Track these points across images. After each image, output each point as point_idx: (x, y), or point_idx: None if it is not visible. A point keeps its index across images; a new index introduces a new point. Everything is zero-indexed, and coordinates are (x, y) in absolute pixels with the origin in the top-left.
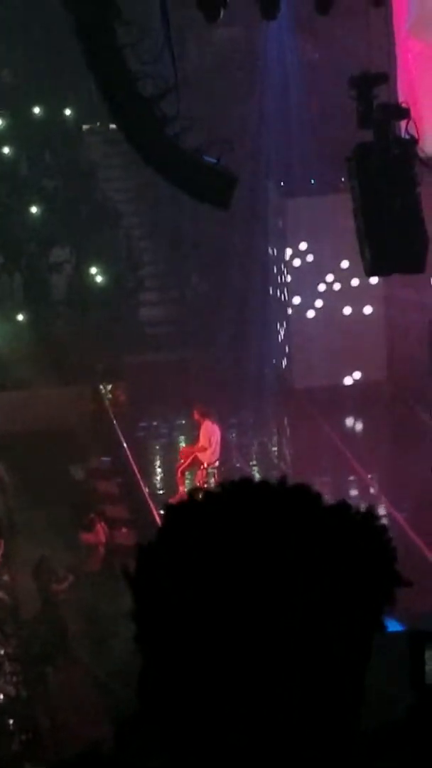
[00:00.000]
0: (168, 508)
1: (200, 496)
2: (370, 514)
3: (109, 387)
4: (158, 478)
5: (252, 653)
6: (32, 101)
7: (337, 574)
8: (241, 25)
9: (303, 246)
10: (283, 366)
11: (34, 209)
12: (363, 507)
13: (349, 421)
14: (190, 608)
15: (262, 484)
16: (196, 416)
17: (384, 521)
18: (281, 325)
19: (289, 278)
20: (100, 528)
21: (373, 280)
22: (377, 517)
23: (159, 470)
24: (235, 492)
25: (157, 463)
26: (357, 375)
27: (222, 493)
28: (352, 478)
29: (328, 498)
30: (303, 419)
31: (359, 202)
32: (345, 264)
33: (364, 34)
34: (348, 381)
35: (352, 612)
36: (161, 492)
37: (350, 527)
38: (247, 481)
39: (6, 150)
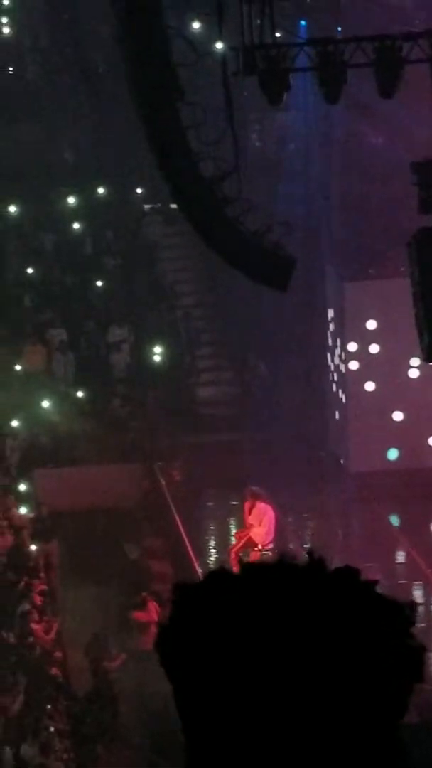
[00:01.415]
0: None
1: (219, 577)
2: (399, 604)
3: (165, 466)
4: (212, 558)
5: (284, 732)
6: (96, 181)
7: (356, 661)
8: (303, 108)
9: (361, 330)
10: (339, 450)
11: (93, 287)
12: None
13: (404, 507)
14: (220, 688)
15: (290, 565)
16: (250, 497)
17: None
18: (338, 409)
19: (347, 363)
20: (152, 606)
21: None
22: (407, 607)
23: (212, 550)
24: (259, 573)
25: (211, 543)
26: (413, 461)
27: (246, 574)
28: (402, 561)
29: (382, 583)
30: (358, 503)
31: (419, 287)
32: (404, 350)
33: (427, 119)
34: (403, 466)
35: (372, 703)
36: None
37: (379, 616)
38: (278, 563)
39: (69, 227)
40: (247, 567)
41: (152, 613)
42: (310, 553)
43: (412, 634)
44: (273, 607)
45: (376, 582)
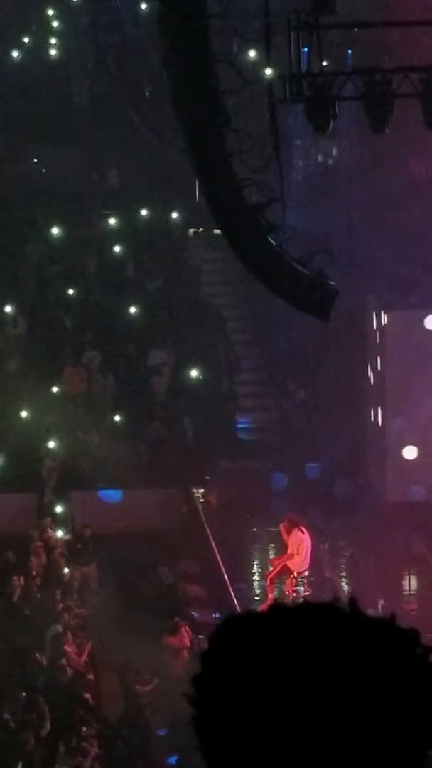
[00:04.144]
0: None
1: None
2: (416, 633)
3: (202, 491)
4: (247, 584)
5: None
6: (139, 203)
7: (381, 690)
8: (349, 136)
9: (401, 361)
10: (377, 478)
11: (134, 310)
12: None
13: None
14: (243, 725)
15: (318, 607)
16: (287, 524)
17: None
18: (377, 439)
19: (386, 393)
20: (185, 632)
21: None
22: (419, 635)
23: (248, 576)
24: (294, 614)
25: (247, 569)
26: None
27: (276, 613)
28: None
29: (415, 615)
30: (395, 533)
31: None
32: None
33: None
34: None
35: (399, 729)
36: (250, 598)
37: (395, 642)
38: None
39: (111, 250)
40: (287, 611)
41: (185, 638)
42: (352, 601)
43: None
44: (308, 660)
45: (418, 643)
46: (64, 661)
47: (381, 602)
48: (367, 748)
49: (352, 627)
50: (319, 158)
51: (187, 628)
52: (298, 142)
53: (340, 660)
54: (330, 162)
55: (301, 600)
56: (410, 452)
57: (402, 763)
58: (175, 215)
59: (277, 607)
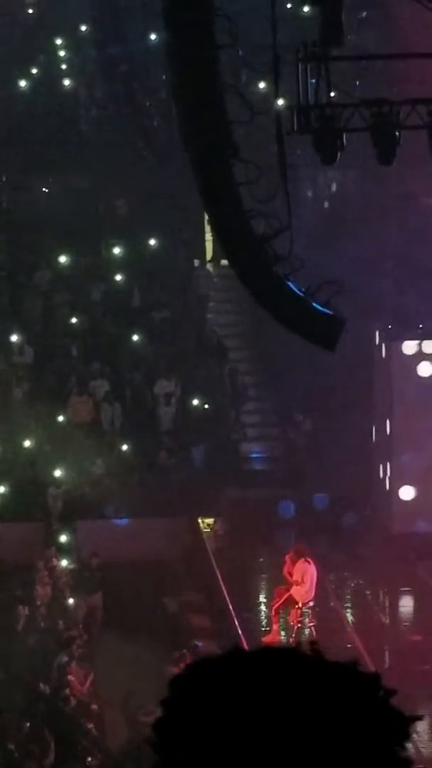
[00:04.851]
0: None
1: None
2: (378, 676)
3: (208, 520)
4: (252, 614)
5: None
6: (147, 233)
7: (342, 733)
8: (357, 167)
9: (408, 392)
10: (383, 509)
11: (141, 340)
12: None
13: None
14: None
15: (270, 652)
16: (293, 554)
17: None
18: (384, 470)
19: (394, 421)
20: None
21: None
22: (385, 691)
23: (253, 606)
24: (245, 660)
25: (252, 599)
26: None
27: (232, 660)
28: None
29: (422, 646)
30: (400, 564)
31: None
32: None
33: None
34: None
35: None
36: (255, 629)
37: (356, 687)
38: (264, 649)
39: (119, 279)
40: (248, 656)
41: None
42: (314, 647)
43: (402, 747)
44: (270, 704)
45: (379, 687)
46: (68, 691)
47: (386, 635)
48: None
49: (312, 673)
50: (329, 189)
51: (191, 659)
52: (307, 172)
53: (301, 706)
54: (340, 193)
55: (304, 631)
56: (418, 485)
57: None
58: (182, 245)
59: (238, 652)
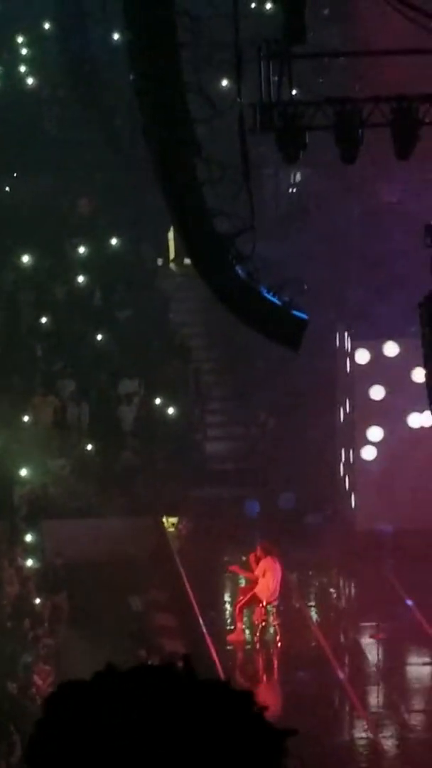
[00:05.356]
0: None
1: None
2: (249, 692)
3: (172, 520)
4: (217, 613)
5: None
6: (110, 232)
7: (216, 749)
8: (319, 166)
9: (371, 390)
10: (346, 507)
11: (105, 340)
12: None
13: (411, 567)
14: None
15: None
16: (258, 552)
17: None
18: (347, 467)
19: (355, 421)
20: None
21: None
22: (254, 703)
23: (218, 605)
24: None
25: (217, 597)
26: (421, 519)
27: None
28: (406, 619)
29: (384, 642)
30: (364, 561)
31: (429, 349)
32: (412, 409)
33: None
34: (411, 526)
35: None
36: (219, 627)
37: (228, 704)
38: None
39: (81, 279)
40: (121, 676)
41: None
42: (187, 663)
43: (278, 761)
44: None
45: (251, 704)
46: (34, 690)
47: (350, 633)
48: None
49: (185, 691)
50: (291, 188)
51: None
52: (269, 171)
53: (174, 724)
54: (302, 191)
55: (269, 630)
56: (380, 481)
57: None
58: (145, 244)
59: (112, 671)
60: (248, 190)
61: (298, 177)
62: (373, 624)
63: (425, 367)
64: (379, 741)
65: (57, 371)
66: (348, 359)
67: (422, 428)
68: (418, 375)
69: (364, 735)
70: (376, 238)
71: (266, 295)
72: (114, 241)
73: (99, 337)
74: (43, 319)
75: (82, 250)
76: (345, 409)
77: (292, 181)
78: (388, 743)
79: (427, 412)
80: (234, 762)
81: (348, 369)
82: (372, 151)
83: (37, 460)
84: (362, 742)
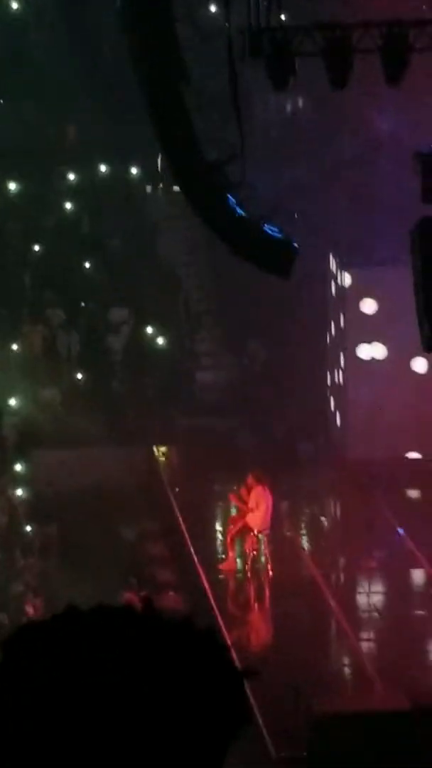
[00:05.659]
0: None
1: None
2: (210, 631)
3: (163, 449)
4: (208, 542)
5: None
6: (97, 159)
7: (177, 690)
8: (308, 93)
9: (362, 318)
10: (338, 436)
11: (93, 268)
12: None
13: (402, 494)
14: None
15: (107, 610)
16: (250, 481)
17: None
18: (339, 396)
19: (348, 349)
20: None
21: None
22: (216, 637)
23: (209, 535)
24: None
25: (208, 527)
26: (412, 448)
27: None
28: (398, 548)
29: (375, 570)
30: (356, 490)
31: (420, 277)
32: (404, 338)
33: None
34: (403, 454)
35: (198, 729)
36: (211, 556)
37: (190, 645)
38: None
39: (69, 206)
40: (81, 616)
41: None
42: (147, 604)
43: (239, 698)
44: (105, 650)
45: (214, 643)
46: (25, 620)
47: (341, 562)
48: (167, 745)
49: (146, 631)
50: (281, 116)
51: (133, 595)
52: (259, 98)
53: (135, 663)
54: (292, 119)
55: (260, 558)
56: (373, 410)
57: (202, 756)
58: (134, 171)
59: (72, 611)
60: (238, 117)
61: (289, 107)
62: (365, 552)
63: (415, 294)
64: (371, 667)
65: (46, 300)
66: (337, 285)
67: (409, 352)
68: (409, 301)
69: (356, 661)
70: (368, 167)
71: (256, 223)
72: (103, 169)
73: (87, 265)
74: (33, 248)
75: (70, 177)
76: (337, 337)
77: (282, 110)
78: (380, 669)
79: (414, 338)
80: (192, 703)
81: (335, 294)
82: (364, 82)
83: (27, 389)
84: (354, 668)
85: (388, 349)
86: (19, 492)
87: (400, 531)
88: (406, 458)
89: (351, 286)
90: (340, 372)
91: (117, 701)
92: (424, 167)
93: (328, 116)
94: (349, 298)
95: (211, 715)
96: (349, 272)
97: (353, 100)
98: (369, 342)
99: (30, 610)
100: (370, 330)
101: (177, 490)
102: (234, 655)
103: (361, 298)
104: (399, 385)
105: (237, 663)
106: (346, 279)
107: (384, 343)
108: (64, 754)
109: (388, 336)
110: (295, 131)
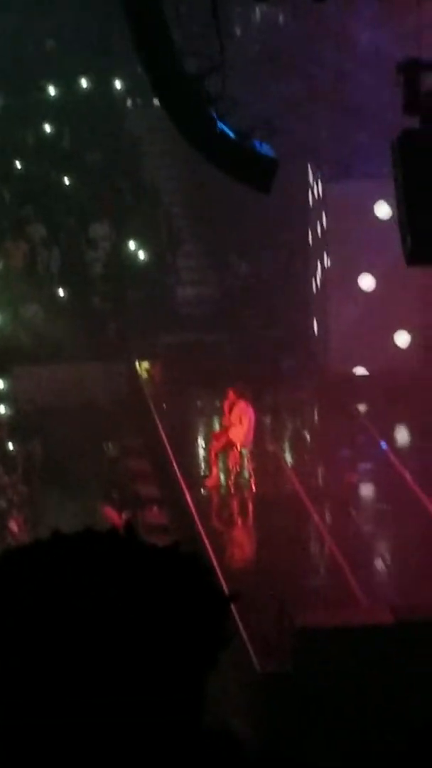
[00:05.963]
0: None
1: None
2: (195, 556)
3: (145, 365)
4: (192, 458)
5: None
6: (78, 73)
7: (160, 615)
8: (288, 4)
9: (343, 231)
10: (321, 351)
11: (74, 183)
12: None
13: (385, 410)
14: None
15: (89, 534)
16: (232, 396)
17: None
18: (319, 310)
19: (329, 263)
20: (110, 513)
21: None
22: (200, 559)
23: (193, 450)
24: (62, 542)
25: (191, 443)
26: (394, 362)
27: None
28: (379, 462)
29: (360, 484)
30: (338, 405)
31: (401, 189)
32: (386, 251)
33: (417, 18)
34: (385, 368)
35: (181, 653)
36: (194, 472)
37: (174, 570)
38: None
39: (49, 121)
40: (66, 540)
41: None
42: (130, 529)
43: (222, 624)
44: (88, 573)
45: (197, 567)
46: (10, 537)
47: (324, 476)
48: (150, 669)
49: (129, 555)
50: (263, 30)
51: (111, 510)
52: (242, 12)
53: (118, 587)
54: (273, 31)
55: (243, 474)
56: (354, 324)
57: (181, 685)
58: (114, 85)
59: (57, 537)
60: (217, 28)
61: (273, 20)
62: (348, 466)
63: (398, 207)
64: (354, 580)
65: (26, 216)
66: (320, 201)
67: (392, 270)
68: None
69: (339, 575)
70: (350, 80)
71: (236, 136)
72: (83, 83)
73: (68, 181)
74: (14, 163)
75: (51, 92)
76: (319, 252)
77: (264, 25)
78: (363, 582)
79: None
80: (175, 627)
81: (320, 211)
82: None
83: (8, 306)
84: (338, 582)
85: (369, 261)
86: (1, 409)
87: (383, 445)
88: (389, 371)
89: (331, 199)
90: (322, 285)
91: (100, 626)
92: (406, 78)
93: (311, 30)
94: (329, 212)
95: (195, 639)
96: (329, 185)
97: (338, 14)
98: (351, 255)
99: (14, 527)
100: (349, 243)
101: (161, 405)
102: (219, 575)
103: (340, 210)
104: (380, 299)
105: (223, 586)
106: (326, 192)
107: (365, 255)
108: (46, 678)
109: (368, 248)
110: (277, 46)
